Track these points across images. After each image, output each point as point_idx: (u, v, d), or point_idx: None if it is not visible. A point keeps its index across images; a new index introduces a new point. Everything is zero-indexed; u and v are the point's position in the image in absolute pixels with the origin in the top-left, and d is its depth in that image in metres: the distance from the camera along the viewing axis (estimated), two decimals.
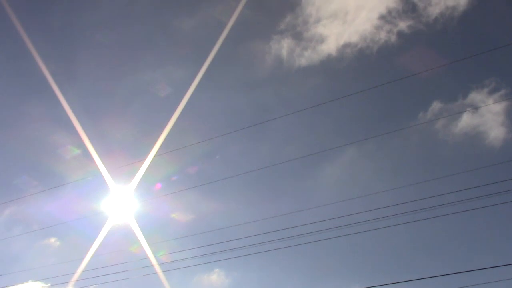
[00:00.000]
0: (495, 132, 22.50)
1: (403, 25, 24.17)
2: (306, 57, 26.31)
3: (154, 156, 16.75)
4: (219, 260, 16.82)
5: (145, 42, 29.29)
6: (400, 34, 24.35)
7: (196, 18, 28.94)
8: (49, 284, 19.85)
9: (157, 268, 17.34)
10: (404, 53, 24.65)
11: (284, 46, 26.72)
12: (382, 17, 24.63)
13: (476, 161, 22.32)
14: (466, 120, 22.94)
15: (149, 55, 29.45)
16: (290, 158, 18.40)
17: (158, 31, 29.28)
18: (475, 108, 22.25)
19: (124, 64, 29.20)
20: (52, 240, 26.97)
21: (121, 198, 17.83)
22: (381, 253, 22.85)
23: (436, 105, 22.98)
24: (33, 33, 21.48)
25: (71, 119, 18.01)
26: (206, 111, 27.06)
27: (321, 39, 25.67)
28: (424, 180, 17.05)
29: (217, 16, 26.06)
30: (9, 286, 20.66)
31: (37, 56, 19.89)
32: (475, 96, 22.52)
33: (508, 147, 22.16)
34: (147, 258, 17.49)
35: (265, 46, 27.57)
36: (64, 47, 28.76)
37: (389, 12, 24.30)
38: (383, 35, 24.52)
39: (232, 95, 28.63)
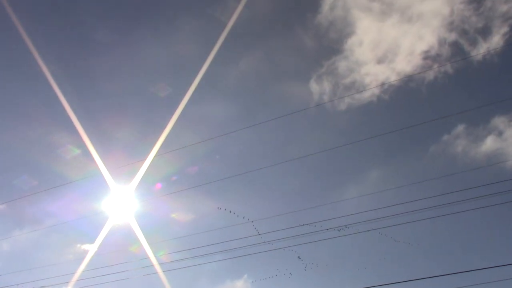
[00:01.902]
0: None
1: (448, 67, 24.23)
2: (346, 101, 26.36)
3: (154, 156, 16.76)
4: (218, 260, 16.82)
5: (145, 42, 29.34)
6: (444, 74, 24.39)
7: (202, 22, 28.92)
8: (49, 285, 19.85)
9: (157, 268, 17.35)
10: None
11: (326, 89, 26.86)
12: (426, 58, 24.58)
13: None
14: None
15: (150, 54, 29.49)
16: (290, 158, 18.37)
17: (159, 32, 29.32)
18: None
19: (124, 63, 29.24)
20: (52, 240, 27.01)
21: (121, 198, 17.84)
22: (382, 253, 22.85)
23: None
24: (33, 33, 21.47)
25: (71, 119, 18.02)
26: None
27: (363, 83, 25.73)
28: (424, 179, 17.11)
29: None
30: (8, 286, 20.64)
31: (37, 56, 19.88)
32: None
33: None
34: (147, 258, 17.52)
35: (305, 87, 27.80)
36: (64, 47, 28.80)
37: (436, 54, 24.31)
38: (429, 77, 24.58)
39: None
